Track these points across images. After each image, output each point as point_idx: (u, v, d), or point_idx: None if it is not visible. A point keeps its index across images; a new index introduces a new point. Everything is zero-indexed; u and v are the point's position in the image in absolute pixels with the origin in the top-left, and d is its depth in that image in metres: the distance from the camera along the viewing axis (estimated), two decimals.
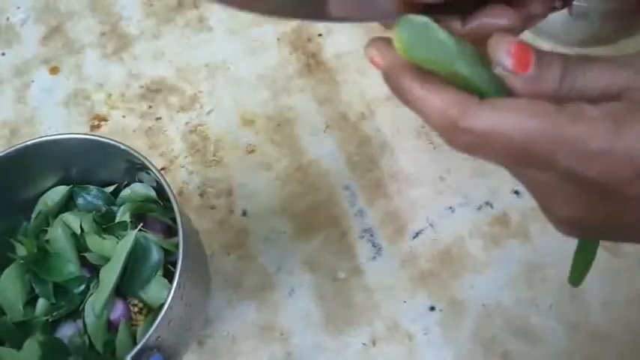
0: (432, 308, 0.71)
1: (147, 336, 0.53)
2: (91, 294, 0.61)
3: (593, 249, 0.47)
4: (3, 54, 0.91)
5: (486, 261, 0.73)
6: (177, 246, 0.57)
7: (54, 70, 0.89)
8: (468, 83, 0.34)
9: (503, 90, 0.34)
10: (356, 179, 0.78)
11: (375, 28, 0.81)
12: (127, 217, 0.64)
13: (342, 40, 0.87)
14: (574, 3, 0.76)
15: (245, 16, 0.90)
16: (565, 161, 0.32)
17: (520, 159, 0.33)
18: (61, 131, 0.63)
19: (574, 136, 0.31)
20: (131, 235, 0.61)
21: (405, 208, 0.76)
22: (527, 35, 0.84)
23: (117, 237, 0.63)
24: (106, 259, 0.62)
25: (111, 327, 0.61)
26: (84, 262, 0.63)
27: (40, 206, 0.66)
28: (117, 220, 0.64)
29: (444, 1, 0.37)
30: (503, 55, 0.33)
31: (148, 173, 0.63)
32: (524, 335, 0.69)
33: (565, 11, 0.62)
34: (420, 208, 0.76)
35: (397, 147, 0.78)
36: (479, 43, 0.36)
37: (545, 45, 0.82)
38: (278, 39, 0.88)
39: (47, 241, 0.63)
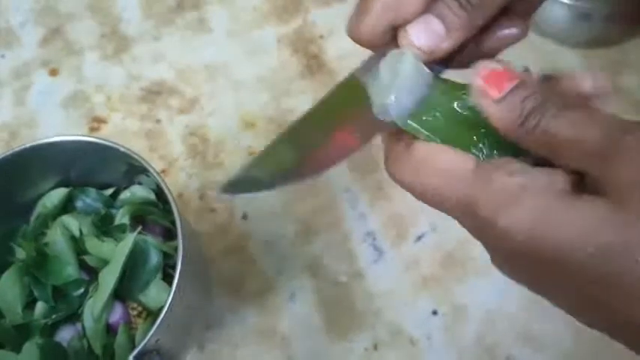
0: (435, 312, 0.71)
1: (146, 339, 0.52)
2: (90, 297, 0.61)
3: None
4: (2, 56, 0.91)
5: (489, 265, 0.72)
6: (176, 249, 0.57)
7: (53, 72, 0.89)
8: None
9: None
10: (357, 182, 0.78)
11: None
12: (126, 220, 0.64)
13: (344, 42, 0.86)
14: (577, 4, 0.76)
15: (245, 18, 0.90)
16: (468, 222, 0.35)
17: (445, 210, 0.36)
18: (60, 133, 0.63)
19: (472, 202, 0.33)
20: (130, 237, 0.60)
21: (407, 211, 0.75)
22: (532, 37, 0.83)
23: (116, 240, 0.62)
24: (105, 262, 0.61)
25: (110, 330, 0.61)
26: (83, 265, 0.62)
27: (39, 209, 0.66)
28: (116, 223, 0.64)
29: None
30: (475, 75, 0.35)
31: (148, 176, 0.63)
32: (528, 340, 0.69)
33: (567, 12, 0.62)
34: (422, 211, 0.75)
35: None
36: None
37: (550, 46, 0.82)
38: (279, 41, 0.88)
39: (46, 244, 0.63)
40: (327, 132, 0.39)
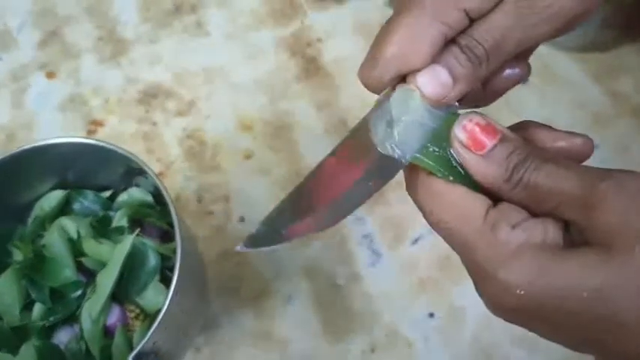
0: (432, 315, 0.71)
1: (144, 341, 0.52)
2: (88, 299, 0.60)
3: None
4: (0, 59, 0.91)
5: None
6: (174, 251, 0.57)
7: (51, 75, 0.89)
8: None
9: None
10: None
11: (375, 33, 0.81)
12: (124, 222, 0.64)
13: (341, 45, 0.87)
14: None
15: (243, 21, 0.90)
16: (466, 261, 0.37)
17: (449, 242, 0.37)
18: (57, 136, 0.63)
19: (477, 249, 0.35)
20: (128, 240, 0.60)
21: (404, 214, 0.76)
22: None
23: (114, 242, 0.62)
24: (103, 264, 0.61)
25: (107, 332, 0.61)
26: (80, 267, 0.62)
27: (36, 211, 0.66)
28: (114, 225, 0.64)
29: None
30: (459, 128, 0.36)
31: (146, 178, 0.63)
32: (524, 343, 0.69)
33: None
34: (418, 214, 0.75)
35: None
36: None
37: (545, 50, 0.82)
38: (276, 44, 0.88)
39: (44, 246, 0.63)
40: (325, 189, 0.40)
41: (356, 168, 0.39)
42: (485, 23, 0.38)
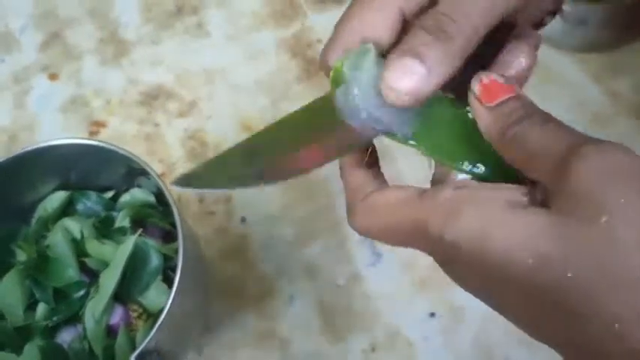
0: (432, 315, 0.71)
1: (146, 340, 0.53)
2: (91, 299, 0.61)
3: None
4: (2, 60, 0.91)
5: None
6: (176, 251, 0.57)
7: (53, 77, 0.89)
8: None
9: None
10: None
11: None
12: (126, 223, 0.64)
13: None
14: (566, 9, 0.76)
15: (244, 22, 0.91)
16: (423, 246, 0.35)
17: (404, 241, 0.36)
18: (59, 137, 0.63)
19: (421, 219, 0.33)
20: (131, 240, 0.61)
21: None
22: None
23: (116, 242, 0.63)
24: (106, 265, 0.62)
25: (110, 332, 0.61)
26: (83, 268, 0.63)
27: (39, 212, 0.66)
28: (116, 226, 0.64)
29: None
30: (476, 82, 0.35)
31: (148, 178, 0.63)
32: (525, 342, 0.69)
33: (562, 17, 0.62)
34: None
35: (397, 153, 0.78)
36: None
37: (545, 51, 0.83)
38: (277, 45, 0.88)
39: (47, 247, 0.63)
40: (294, 143, 0.39)
41: (316, 150, 0.38)
42: None
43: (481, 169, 0.36)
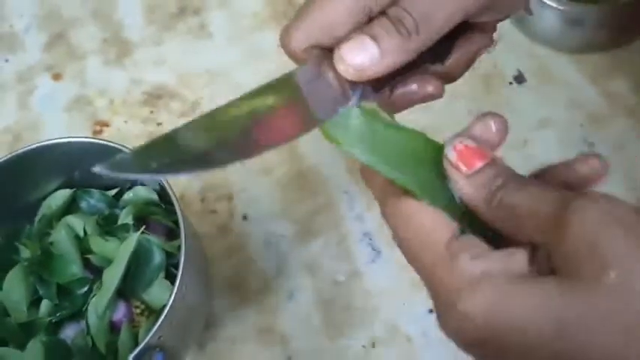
0: (431, 311, 0.71)
1: (149, 336, 0.53)
2: (94, 295, 0.61)
3: None
4: (6, 60, 0.92)
5: None
6: (178, 248, 0.58)
7: (57, 77, 0.90)
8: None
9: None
10: (355, 184, 0.79)
11: None
12: (129, 220, 0.65)
13: None
14: (569, 9, 0.77)
15: (245, 23, 0.91)
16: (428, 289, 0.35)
17: (410, 262, 0.36)
18: (63, 137, 0.64)
19: (436, 276, 0.34)
20: (134, 237, 0.61)
21: None
22: (524, 42, 0.85)
23: (120, 239, 0.63)
24: (109, 261, 0.62)
25: (113, 328, 0.62)
26: (87, 264, 0.63)
27: (43, 209, 0.67)
28: (119, 223, 0.65)
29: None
30: (450, 148, 0.36)
31: None
32: None
33: (559, 17, 0.62)
34: None
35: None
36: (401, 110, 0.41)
37: (542, 51, 0.83)
38: (278, 45, 0.89)
39: (51, 244, 0.64)
40: (252, 120, 0.39)
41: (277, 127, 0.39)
42: None
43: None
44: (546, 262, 0.32)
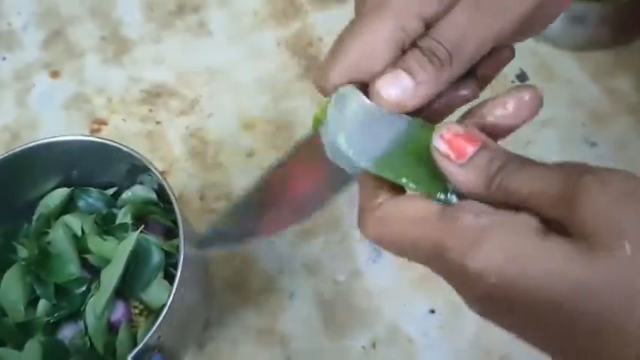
0: (432, 311, 0.71)
1: (147, 336, 0.53)
2: (92, 295, 0.61)
3: None
4: (4, 58, 0.92)
5: None
6: (177, 248, 0.57)
7: (55, 75, 0.90)
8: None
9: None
10: (356, 183, 0.78)
11: None
12: (127, 219, 0.64)
13: None
14: (572, 7, 0.76)
15: (245, 21, 0.91)
16: (438, 267, 0.34)
17: (416, 257, 0.35)
18: (61, 135, 0.63)
19: (441, 247, 0.33)
20: (132, 236, 0.61)
21: None
22: (527, 40, 0.84)
23: (118, 239, 0.63)
24: (107, 261, 0.62)
25: (112, 328, 0.61)
26: (85, 264, 0.63)
27: (41, 208, 0.66)
28: (118, 222, 0.65)
29: None
30: (437, 138, 0.35)
31: (149, 175, 0.64)
32: None
33: (562, 15, 0.61)
34: None
35: None
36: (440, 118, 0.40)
37: (544, 49, 0.83)
38: (278, 43, 0.89)
39: (49, 243, 0.63)
40: (284, 189, 0.40)
41: (315, 170, 0.39)
42: (444, 24, 0.37)
43: (454, 198, 0.36)
44: (556, 230, 0.32)
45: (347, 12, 0.90)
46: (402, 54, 0.38)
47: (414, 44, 0.38)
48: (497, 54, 0.42)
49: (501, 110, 0.37)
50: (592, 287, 0.29)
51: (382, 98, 0.37)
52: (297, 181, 0.40)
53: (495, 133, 0.37)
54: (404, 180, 0.37)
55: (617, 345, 0.29)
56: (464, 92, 0.41)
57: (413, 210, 0.35)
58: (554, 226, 0.32)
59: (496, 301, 0.32)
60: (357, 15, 0.40)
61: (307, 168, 0.40)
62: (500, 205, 0.33)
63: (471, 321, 0.70)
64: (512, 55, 0.43)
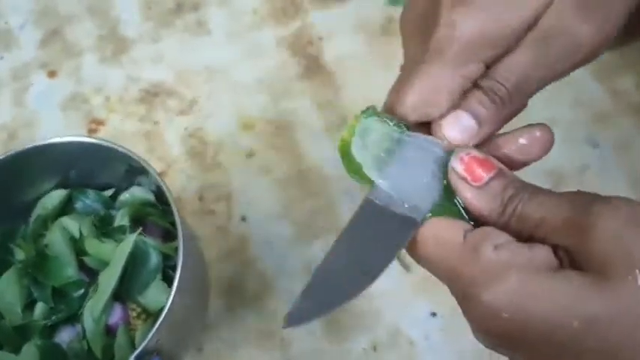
0: (434, 314, 0.71)
1: (147, 339, 0.53)
2: (90, 298, 0.61)
3: None
4: (1, 57, 0.91)
5: None
6: (176, 250, 0.57)
7: (52, 74, 0.89)
8: None
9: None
10: (356, 184, 0.77)
11: (376, 32, 0.81)
12: (125, 221, 0.64)
13: (343, 44, 0.87)
14: None
15: (244, 19, 0.90)
16: (455, 291, 0.36)
17: (438, 276, 0.37)
18: (58, 135, 0.63)
19: (460, 274, 0.34)
20: (130, 239, 0.60)
21: None
22: None
23: (116, 241, 0.62)
24: (105, 264, 0.61)
25: (109, 332, 0.61)
26: (82, 266, 0.62)
27: (38, 210, 0.66)
28: (116, 224, 0.64)
29: None
30: (456, 160, 0.36)
31: (147, 177, 0.63)
32: None
33: None
34: None
35: None
36: None
37: None
38: (278, 43, 0.88)
39: (46, 245, 0.63)
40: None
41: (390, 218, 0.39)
42: (505, 64, 0.38)
43: None
44: (567, 260, 0.33)
45: (347, 11, 0.90)
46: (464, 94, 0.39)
47: (475, 84, 0.38)
48: None
49: (514, 145, 0.38)
50: (603, 319, 0.30)
51: (446, 139, 0.38)
52: (377, 229, 0.40)
53: (509, 165, 0.38)
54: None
55: None
56: (537, 134, 0.40)
57: (438, 231, 0.36)
58: (565, 254, 0.33)
59: (507, 336, 0.33)
60: (417, 58, 0.40)
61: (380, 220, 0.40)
62: (512, 232, 0.34)
63: None
64: None
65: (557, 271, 0.32)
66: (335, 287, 0.40)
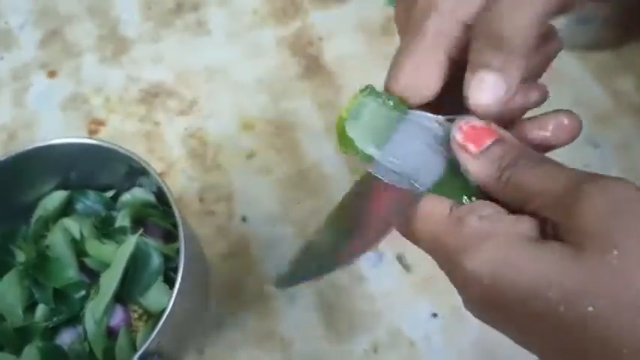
0: (434, 315, 0.71)
1: (149, 341, 0.52)
2: (91, 300, 0.60)
3: None
4: (1, 58, 0.91)
5: None
6: (177, 251, 0.57)
7: (52, 74, 0.89)
8: None
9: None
10: None
11: (376, 32, 0.81)
12: (126, 222, 0.64)
13: (343, 44, 0.86)
14: None
15: (244, 20, 0.90)
16: (440, 261, 0.36)
17: (427, 250, 0.37)
18: (58, 135, 0.63)
19: (445, 243, 0.34)
20: (132, 240, 0.60)
21: None
22: None
23: (117, 242, 0.62)
24: (106, 265, 0.61)
25: (111, 333, 0.61)
26: (83, 268, 0.62)
27: (39, 211, 0.66)
28: (117, 225, 0.64)
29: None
30: (456, 129, 0.36)
31: (148, 178, 0.63)
32: None
33: (567, 16, 0.61)
34: None
35: None
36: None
37: None
38: (278, 43, 0.88)
39: (47, 247, 0.63)
40: (360, 217, 0.40)
41: (392, 190, 0.39)
42: (485, 17, 0.36)
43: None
44: (552, 233, 0.33)
45: (347, 12, 0.90)
46: (454, 64, 0.38)
47: (471, 33, 0.37)
48: (544, 47, 0.42)
49: (541, 131, 0.37)
50: (578, 292, 0.30)
51: (481, 107, 0.36)
52: (378, 201, 0.39)
53: (535, 149, 0.37)
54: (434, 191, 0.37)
55: (602, 348, 0.30)
56: (534, 97, 0.41)
57: (430, 208, 0.36)
58: (549, 226, 0.33)
59: (490, 303, 0.33)
60: (401, 40, 0.40)
61: (381, 192, 0.39)
62: (508, 201, 0.35)
63: (474, 325, 0.69)
64: (560, 47, 0.44)
65: (538, 242, 0.32)
66: (325, 255, 0.40)
